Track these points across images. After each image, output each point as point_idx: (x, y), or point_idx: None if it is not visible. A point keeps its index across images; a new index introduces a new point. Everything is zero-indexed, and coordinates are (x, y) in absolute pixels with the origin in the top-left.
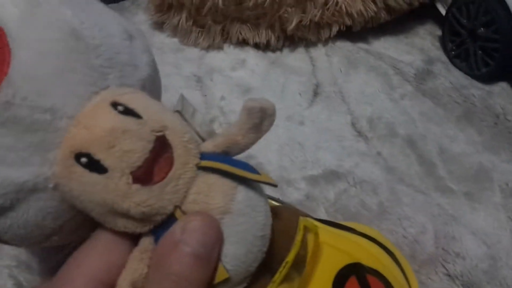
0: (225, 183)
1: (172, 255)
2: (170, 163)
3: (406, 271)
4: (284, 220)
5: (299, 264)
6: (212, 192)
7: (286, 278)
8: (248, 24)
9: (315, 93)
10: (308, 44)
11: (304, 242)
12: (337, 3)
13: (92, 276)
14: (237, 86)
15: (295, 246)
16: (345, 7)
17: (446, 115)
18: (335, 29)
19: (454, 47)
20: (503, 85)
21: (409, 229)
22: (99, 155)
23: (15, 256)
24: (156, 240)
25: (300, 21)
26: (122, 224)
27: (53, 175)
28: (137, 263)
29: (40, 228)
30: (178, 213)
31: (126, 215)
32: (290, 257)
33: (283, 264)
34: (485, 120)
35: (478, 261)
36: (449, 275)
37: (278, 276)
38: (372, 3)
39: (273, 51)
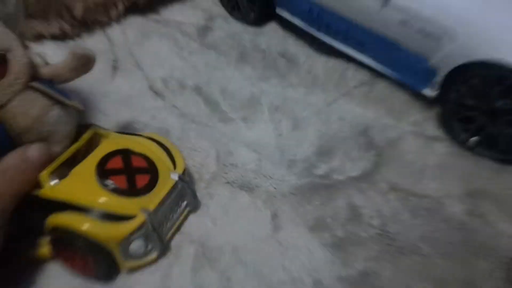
0: (44, 101)
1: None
2: (4, 74)
3: (176, 158)
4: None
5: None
6: (33, 104)
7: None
8: (38, 18)
9: (115, 68)
10: (103, 24)
11: (91, 142)
12: None
13: None
14: None
15: (77, 143)
16: None
17: (226, 61)
18: (121, 6)
19: (227, 2)
20: (271, 25)
21: (196, 158)
22: None
23: None
24: None
25: (85, 4)
26: None
27: None
28: None
29: None
30: (1, 112)
31: None
32: (70, 150)
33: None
34: (256, 57)
35: (248, 164)
36: (228, 182)
37: (58, 159)
38: None
39: (72, 38)
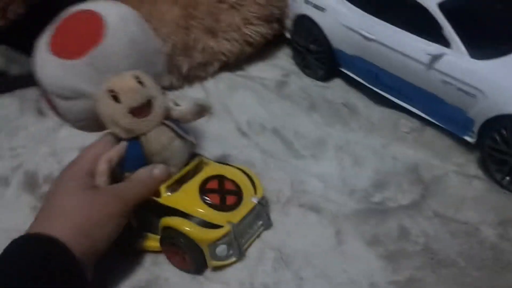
0: (170, 134)
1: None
2: (149, 113)
3: (256, 186)
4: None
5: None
6: (163, 136)
7: (180, 181)
8: None
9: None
10: (201, 79)
11: (197, 167)
12: (211, 47)
13: (95, 156)
14: None
15: (187, 167)
16: (217, 48)
17: (298, 109)
18: (216, 64)
19: (300, 61)
20: (337, 80)
21: (275, 185)
22: (119, 94)
23: None
24: (128, 145)
25: (190, 64)
26: (115, 130)
27: (97, 95)
28: (113, 153)
29: (78, 114)
30: (142, 138)
31: (119, 126)
32: (183, 171)
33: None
34: (323, 107)
35: (317, 191)
36: (300, 205)
37: (174, 176)
38: (235, 42)
39: (176, 89)
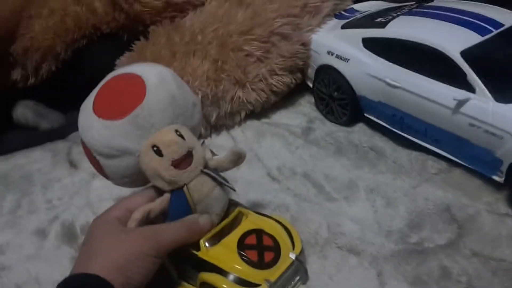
0: (211, 183)
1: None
2: (190, 164)
3: (295, 241)
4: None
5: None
6: (204, 184)
7: (219, 233)
8: None
9: None
10: (228, 127)
11: (235, 218)
12: (239, 97)
13: (128, 207)
14: None
15: (227, 219)
16: (245, 98)
17: (326, 153)
18: (243, 113)
19: (323, 108)
20: (360, 125)
21: (312, 227)
22: (162, 148)
23: None
24: (172, 197)
25: (218, 114)
26: (159, 183)
27: (140, 151)
28: (154, 204)
29: (123, 171)
30: (185, 188)
31: (163, 179)
32: (222, 224)
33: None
34: (350, 151)
35: (354, 233)
36: (338, 247)
37: (214, 229)
38: (262, 92)
39: (205, 138)
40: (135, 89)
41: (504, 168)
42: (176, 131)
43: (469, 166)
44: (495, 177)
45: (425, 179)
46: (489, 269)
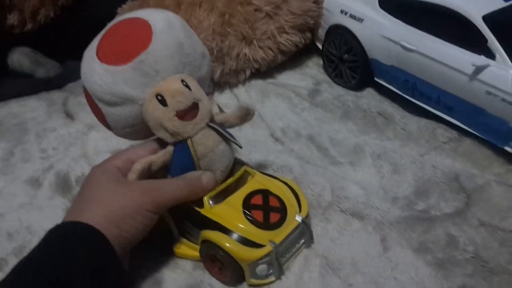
0: (216, 137)
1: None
2: (195, 116)
3: (302, 203)
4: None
5: (235, 187)
6: (209, 138)
7: (224, 191)
8: None
9: None
10: (232, 85)
11: (241, 178)
12: (245, 54)
13: (129, 157)
14: None
15: (233, 178)
16: (251, 56)
17: (332, 117)
18: (248, 72)
19: (332, 70)
20: (369, 90)
21: (315, 189)
22: (166, 97)
23: None
24: (175, 150)
25: (222, 70)
26: (162, 134)
27: (143, 99)
28: (156, 156)
29: (125, 120)
30: (189, 141)
31: (166, 130)
32: (227, 182)
33: (224, 183)
34: (357, 115)
35: (358, 197)
36: (341, 210)
37: (218, 187)
38: (269, 50)
39: (207, 95)
40: (141, 34)
41: None
42: (182, 81)
43: (481, 136)
44: (508, 148)
45: (434, 147)
46: (497, 239)
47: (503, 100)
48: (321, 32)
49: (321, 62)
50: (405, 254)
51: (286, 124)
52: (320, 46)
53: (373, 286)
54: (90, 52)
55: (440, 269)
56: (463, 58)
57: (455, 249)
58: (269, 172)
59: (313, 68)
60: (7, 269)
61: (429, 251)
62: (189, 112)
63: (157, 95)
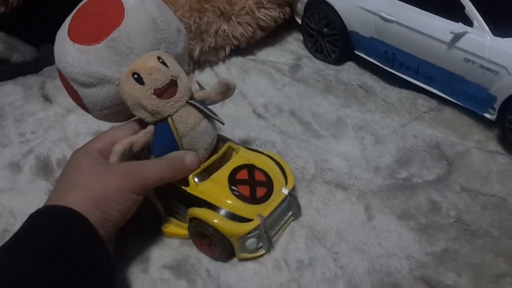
0: (197, 115)
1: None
2: (174, 94)
3: (288, 176)
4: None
5: (219, 163)
6: (190, 116)
7: (209, 168)
8: None
9: None
10: (212, 63)
11: (225, 154)
12: (224, 30)
13: (110, 139)
14: None
15: (217, 154)
16: (230, 32)
17: (313, 91)
18: (228, 49)
19: (312, 45)
20: (349, 63)
21: (298, 163)
22: (143, 75)
23: None
24: (156, 129)
25: (202, 48)
26: (141, 114)
27: (119, 78)
28: (137, 137)
29: (103, 101)
30: (169, 119)
31: (145, 109)
32: (211, 159)
33: (208, 160)
34: (338, 89)
35: (341, 169)
36: (325, 182)
37: (203, 164)
38: (248, 26)
39: (188, 74)
40: (113, 11)
41: (497, 105)
42: (159, 58)
43: (461, 104)
44: (487, 115)
45: (415, 118)
46: (479, 203)
47: (481, 66)
48: (300, 7)
49: (301, 37)
50: (389, 221)
51: (268, 100)
52: (299, 21)
53: (358, 253)
54: (62, 33)
55: (424, 234)
56: (441, 27)
57: (437, 214)
58: (253, 147)
59: (293, 44)
60: None
61: (412, 217)
62: (168, 89)
63: (133, 74)
